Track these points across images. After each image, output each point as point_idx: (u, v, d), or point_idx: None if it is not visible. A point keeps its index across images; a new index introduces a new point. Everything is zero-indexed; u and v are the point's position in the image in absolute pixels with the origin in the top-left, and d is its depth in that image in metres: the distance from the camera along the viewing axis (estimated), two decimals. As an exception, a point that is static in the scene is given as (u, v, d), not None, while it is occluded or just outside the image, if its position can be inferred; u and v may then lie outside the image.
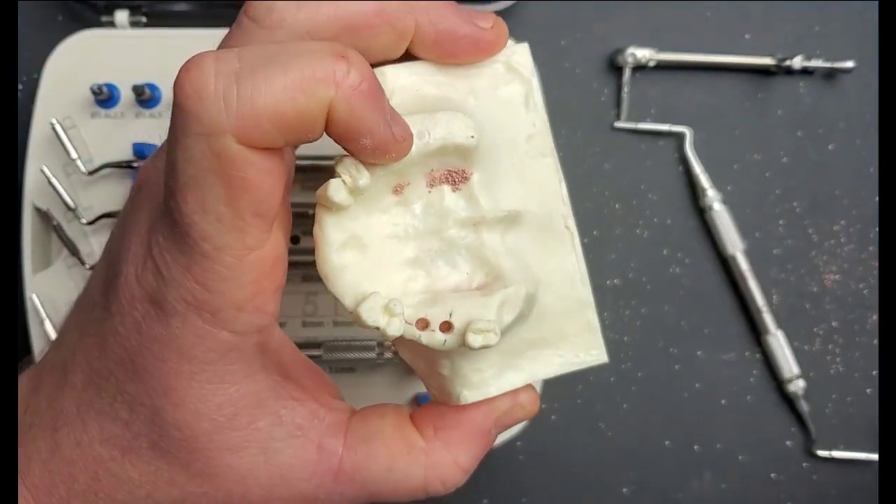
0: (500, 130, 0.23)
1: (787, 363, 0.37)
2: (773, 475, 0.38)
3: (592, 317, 0.24)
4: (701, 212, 0.38)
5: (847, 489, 0.38)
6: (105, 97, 0.32)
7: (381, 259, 0.22)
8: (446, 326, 0.21)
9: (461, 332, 0.21)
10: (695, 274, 0.38)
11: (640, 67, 0.38)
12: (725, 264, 0.38)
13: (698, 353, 0.38)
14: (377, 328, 0.21)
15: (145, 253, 0.21)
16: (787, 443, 0.38)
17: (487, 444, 0.24)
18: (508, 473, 0.38)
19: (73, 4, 0.35)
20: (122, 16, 0.34)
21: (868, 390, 0.38)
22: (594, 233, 0.38)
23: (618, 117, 0.38)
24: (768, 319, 0.37)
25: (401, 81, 0.23)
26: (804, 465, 0.38)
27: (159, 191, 0.21)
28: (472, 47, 0.22)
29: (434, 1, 0.22)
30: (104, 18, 0.34)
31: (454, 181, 0.23)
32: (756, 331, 0.38)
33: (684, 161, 0.38)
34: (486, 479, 0.38)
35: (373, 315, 0.21)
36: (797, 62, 0.37)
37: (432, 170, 0.22)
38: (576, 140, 0.38)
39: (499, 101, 0.24)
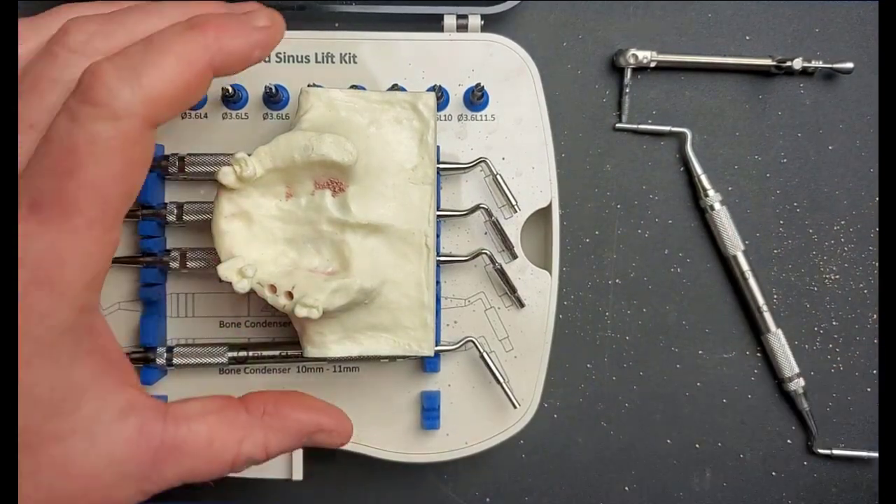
0: (389, 156, 0.29)
1: (788, 362, 0.38)
2: (773, 473, 0.38)
3: (429, 318, 0.30)
4: (702, 212, 0.38)
5: (847, 487, 0.38)
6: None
7: (262, 233, 0.28)
8: (289, 295, 0.27)
9: (294, 302, 0.27)
10: (695, 274, 0.38)
11: (640, 69, 0.38)
12: (726, 264, 0.38)
13: (699, 352, 0.39)
14: (230, 283, 0.27)
15: None
16: (788, 441, 0.39)
17: (297, 445, 0.28)
18: (510, 472, 0.38)
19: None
20: (126, 18, 0.34)
21: (868, 389, 0.39)
22: (595, 233, 0.38)
23: (619, 118, 0.38)
24: (768, 318, 0.38)
25: (332, 94, 0.29)
26: (804, 463, 0.38)
27: None
28: (262, 56, 0.26)
29: (216, 23, 0.24)
30: (109, 20, 0.34)
31: (334, 188, 0.29)
32: (756, 330, 0.38)
33: (685, 162, 0.38)
34: (488, 477, 0.38)
35: (226, 273, 0.27)
36: (797, 63, 0.38)
37: (319, 176, 0.28)
38: (577, 141, 0.38)
39: (396, 133, 0.29)
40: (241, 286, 0.27)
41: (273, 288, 0.28)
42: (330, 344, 0.29)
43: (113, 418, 0.23)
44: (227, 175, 0.27)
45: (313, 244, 0.29)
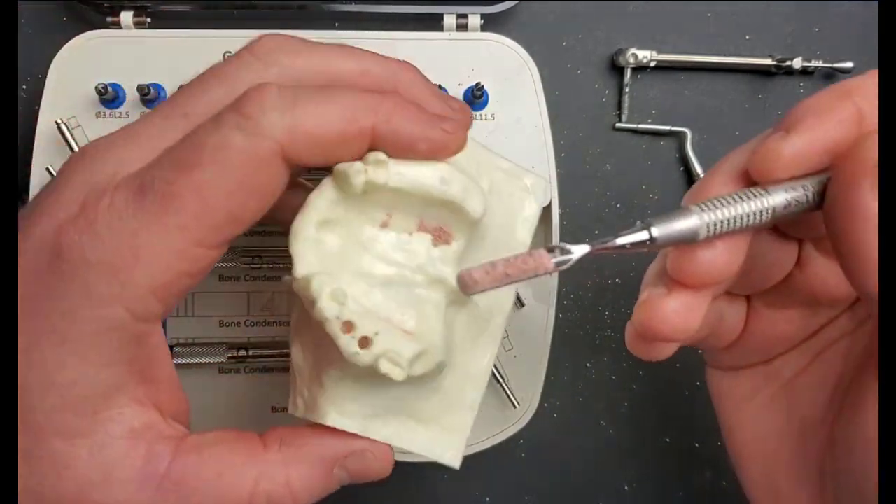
0: (495, 226, 0.25)
1: (787, 362, 0.38)
2: (773, 473, 0.38)
3: (469, 422, 0.25)
4: (701, 211, 0.38)
5: (847, 487, 0.38)
6: (110, 97, 0.33)
7: (342, 254, 0.23)
8: (365, 342, 0.22)
9: (374, 354, 0.22)
10: (695, 273, 0.38)
11: (640, 68, 0.38)
12: (726, 264, 0.38)
13: (699, 351, 0.38)
14: (313, 301, 0.22)
15: (78, 213, 0.21)
16: (788, 441, 0.38)
17: (325, 481, 0.24)
18: (509, 471, 0.38)
19: (79, 5, 0.35)
20: (127, 17, 0.34)
21: (868, 389, 0.38)
22: (595, 232, 0.38)
23: (619, 118, 0.38)
24: (768, 318, 0.38)
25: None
26: (804, 463, 0.38)
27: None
28: (428, 154, 0.23)
29: (398, 102, 0.23)
30: (109, 19, 0.34)
31: (438, 237, 0.24)
32: (756, 330, 0.38)
33: (685, 161, 0.38)
34: (487, 477, 0.38)
35: (317, 289, 0.22)
36: (797, 63, 0.38)
37: (429, 217, 0.24)
38: (577, 140, 0.38)
39: (507, 203, 0.26)
40: (330, 313, 0.22)
41: (350, 327, 0.22)
42: (357, 416, 0.24)
43: (123, 435, 0.22)
44: (357, 174, 0.22)
45: (393, 289, 0.24)
